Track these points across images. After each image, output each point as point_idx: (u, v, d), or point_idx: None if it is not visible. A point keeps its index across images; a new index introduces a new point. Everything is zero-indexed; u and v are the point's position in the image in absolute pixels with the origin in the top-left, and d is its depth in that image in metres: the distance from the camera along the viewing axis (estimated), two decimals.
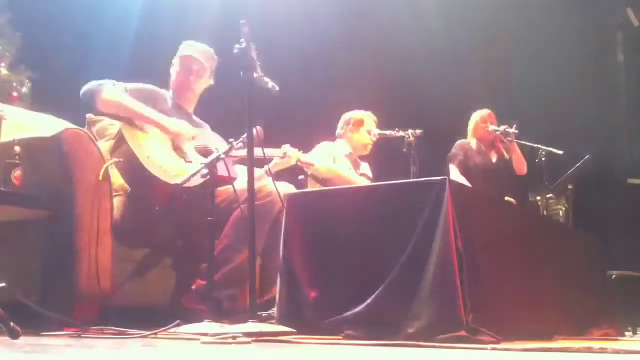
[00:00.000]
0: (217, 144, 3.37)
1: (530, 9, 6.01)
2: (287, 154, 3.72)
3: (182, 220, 3.27)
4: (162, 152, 3.28)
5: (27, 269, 3.00)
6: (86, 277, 2.98)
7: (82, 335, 2.61)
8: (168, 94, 3.63)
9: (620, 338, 3.57)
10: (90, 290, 2.99)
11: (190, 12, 5.64)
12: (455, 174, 4.97)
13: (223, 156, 3.07)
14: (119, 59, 5.23)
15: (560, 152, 4.93)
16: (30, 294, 2.78)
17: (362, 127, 4.60)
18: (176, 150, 3.33)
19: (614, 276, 4.59)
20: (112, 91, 3.30)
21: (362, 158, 4.72)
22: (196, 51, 3.58)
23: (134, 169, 3.22)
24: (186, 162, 3.30)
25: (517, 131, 4.97)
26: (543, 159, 4.93)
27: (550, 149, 4.95)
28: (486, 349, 2.32)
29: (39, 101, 4.34)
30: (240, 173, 3.27)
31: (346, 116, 4.68)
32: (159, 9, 5.68)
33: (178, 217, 3.27)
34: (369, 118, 4.64)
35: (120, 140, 3.29)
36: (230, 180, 3.09)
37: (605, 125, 5.86)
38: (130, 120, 3.30)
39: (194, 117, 3.67)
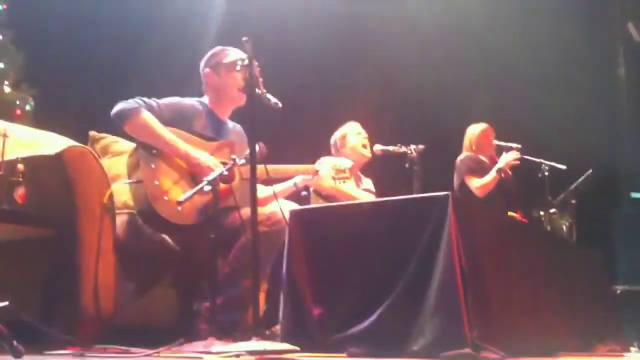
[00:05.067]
0: (240, 154, 3.30)
1: (531, 24, 6.04)
2: (319, 172, 3.63)
3: (186, 240, 3.26)
4: (173, 181, 3.22)
5: (29, 287, 3.00)
6: (88, 296, 2.97)
7: (85, 355, 2.60)
8: (202, 102, 3.54)
9: (625, 354, 3.55)
10: (93, 308, 2.98)
11: (192, 29, 5.66)
12: (477, 184, 4.95)
13: (225, 172, 3.06)
14: (123, 75, 5.24)
15: (563, 167, 4.93)
16: (33, 312, 2.77)
17: (347, 138, 4.59)
18: (192, 179, 3.26)
19: (618, 291, 4.57)
20: (149, 117, 3.24)
21: (365, 174, 4.72)
22: (244, 56, 3.24)
23: (139, 194, 3.20)
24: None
25: (519, 146, 4.96)
26: (546, 173, 4.93)
27: (553, 163, 4.95)
28: None
29: (42, 118, 4.35)
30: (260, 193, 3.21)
31: (331, 140, 4.67)
32: (163, 22, 5.69)
33: (181, 237, 3.26)
34: (350, 126, 4.63)
35: (137, 162, 3.25)
36: (233, 207, 3.09)
37: (607, 139, 5.86)
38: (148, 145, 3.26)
39: (228, 124, 3.60)
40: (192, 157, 3.24)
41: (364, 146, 4.54)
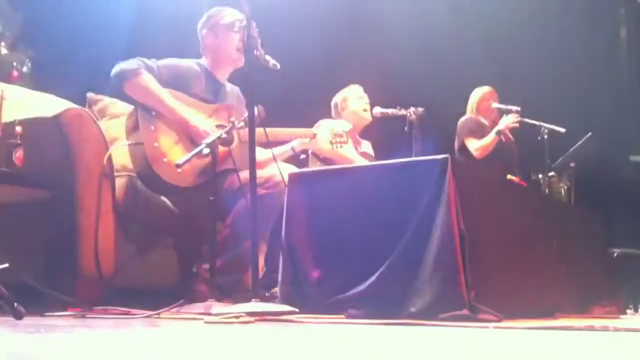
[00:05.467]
0: (239, 116, 3.29)
1: None
2: (316, 136, 3.62)
3: (185, 202, 3.26)
4: (172, 143, 3.22)
5: (29, 249, 3.01)
6: (88, 257, 2.99)
7: (86, 315, 2.62)
8: (201, 64, 3.52)
9: (621, 316, 3.59)
10: (93, 270, 3.00)
11: None
12: (477, 145, 4.95)
13: (224, 135, 3.06)
14: (120, 37, 5.19)
15: (562, 130, 4.92)
16: (33, 274, 2.79)
17: (348, 103, 4.57)
18: (191, 141, 3.25)
19: (615, 254, 4.60)
20: (149, 78, 3.23)
21: (364, 136, 4.71)
22: (241, 16, 3.28)
23: (139, 155, 3.19)
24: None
25: (519, 108, 4.95)
26: (545, 136, 4.92)
27: (552, 126, 4.94)
28: (488, 327, 2.33)
29: (40, 80, 4.32)
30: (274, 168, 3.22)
31: (332, 101, 4.65)
32: None
33: (181, 199, 3.26)
34: (352, 90, 4.60)
35: (135, 124, 3.25)
36: (233, 170, 3.08)
37: (607, 102, 5.83)
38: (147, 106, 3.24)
39: (227, 86, 3.58)
40: (190, 123, 3.23)
41: (365, 110, 4.52)
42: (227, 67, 3.55)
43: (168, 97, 3.24)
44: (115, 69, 3.25)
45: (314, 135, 3.58)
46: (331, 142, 3.62)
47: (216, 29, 3.51)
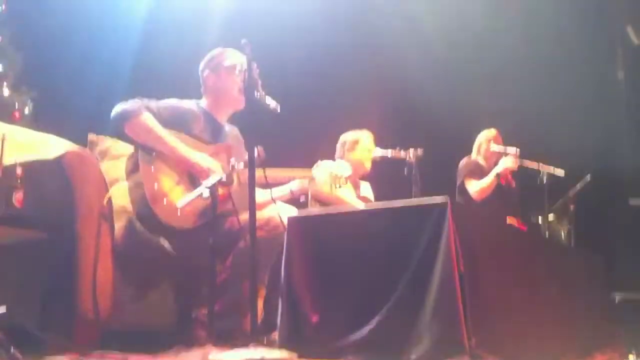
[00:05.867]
0: (238, 157, 3.30)
1: (530, 27, 6.03)
2: (315, 178, 3.63)
3: (184, 243, 3.25)
4: (173, 183, 3.22)
5: (27, 291, 2.99)
6: (86, 300, 2.97)
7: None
8: (200, 105, 3.53)
9: None
10: (91, 312, 2.98)
11: (191, 30, 5.64)
12: (476, 187, 4.95)
13: (224, 179, 3.06)
14: (120, 77, 5.24)
15: (561, 173, 4.92)
16: (31, 316, 2.76)
17: (358, 146, 4.60)
18: (191, 182, 3.26)
19: (617, 298, 4.57)
20: (149, 119, 3.25)
21: (363, 178, 4.72)
22: (244, 59, 3.24)
23: (138, 197, 3.20)
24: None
25: (518, 151, 4.96)
26: (544, 179, 4.92)
27: (551, 169, 4.94)
28: None
29: (41, 121, 4.35)
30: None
31: (341, 139, 4.69)
32: (161, 26, 5.69)
33: (180, 241, 3.25)
34: (364, 137, 4.64)
35: (135, 165, 3.25)
36: (232, 211, 3.08)
37: (605, 144, 5.85)
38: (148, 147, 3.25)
39: (226, 127, 3.59)
40: (192, 160, 3.24)
41: (369, 161, 4.56)
42: (228, 108, 3.57)
43: (169, 137, 3.25)
44: (116, 110, 3.27)
45: (313, 177, 3.59)
46: (330, 185, 3.63)
47: (218, 70, 3.53)
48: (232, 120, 3.67)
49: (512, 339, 2.76)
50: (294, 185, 3.66)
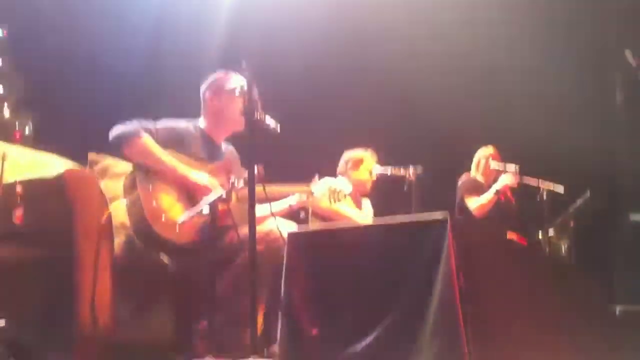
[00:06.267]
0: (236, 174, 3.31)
1: (530, 50, 6.06)
2: (313, 193, 3.63)
3: (184, 260, 3.26)
4: (172, 202, 3.24)
5: (27, 308, 2.99)
6: (86, 316, 2.97)
7: None
8: (197, 126, 3.55)
9: None
10: (91, 328, 2.97)
11: (192, 51, 5.68)
12: (475, 203, 4.95)
13: (224, 196, 3.07)
14: (121, 96, 5.27)
15: (561, 190, 4.93)
16: (31, 332, 2.76)
17: (362, 165, 4.62)
18: (189, 200, 3.27)
19: (617, 310, 4.55)
20: (148, 141, 3.28)
21: (364, 195, 4.73)
22: (245, 83, 3.26)
23: (137, 215, 3.21)
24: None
25: (517, 168, 4.97)
26: (544, 196, 4.93)
27: (551, 185, 4.95)
28: None
29: (42, 141, 4.36)
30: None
31: (346, 156, 4.71)
32: (163, 47, 5.72)
33: (179, 257, 3.26)
34: (368, 157, 4.66)
35: (133, 183, 3.27)
36: (231, 226, 3.09)
37: (605, 162, 5.87)
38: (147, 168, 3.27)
39: (222, 148, 3.61)
40: (191, 179, 3.26)
41: (371, 182, 4.58)
42: (227, 130, 3.60)
43: (167, 157, 3.28)
44: (114, 132, 3.30)
45: (312, 193, 3.60)
46: (329, 199, 3.65)
47: (220, 93, 3.56)
48: (231, 139, 3.69)
49: (512, 353, 2.75)
50: (293, 200, 3.67)
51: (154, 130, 3.36)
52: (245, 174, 3.03)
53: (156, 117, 3.47)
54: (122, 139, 3.27)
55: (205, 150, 3.49)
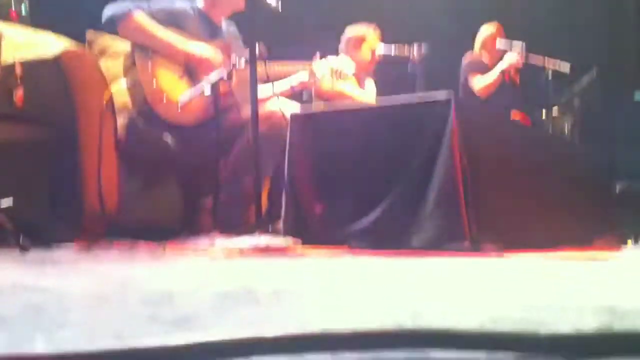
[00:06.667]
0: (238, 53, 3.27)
1: None
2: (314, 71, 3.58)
3: (187, 139, 3.26)
4: (173, 79, 3.20)
5: (33, 188, 3.02)
6: (92, 194, 3.00)
7: (92, 248, 2.65)
8: (194, 7, 3.47)
9: (622, 247, 3.62)
10: (97, 206, 3.02)
11: None
12: (480, 83, 4.90)
13: (225, 76, 3.04)
14: None
15: (567, 68, 4.87)
16: (38, 209, 2.81)
17: (364, 44, 4.52)
18: (190, 78, 3.24)
19: (618, 187, 4.61)
20: (142, 18, 3.21)
21: (367, 75, 4.67)
22: None
23: (138, 96, 3.19)
24: None
25: (523, 45, 4.89)
26: (549, 75, 4.88)
27: (557, 63, 4.89)
28: (490, 256, 2.35)
29: (39, 19, 4.27)
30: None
31: (347, 33, 4.59)
32: None
33: (183, 137, 3.26)
34: (370, 34, 4.55)
35: (132, 64, 3.23)
36: (236, 106, 3.08)
37: (611, 38, 5.76)
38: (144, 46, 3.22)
39: (222, 27, 3.55)
40: (190, 51, 3.21)
41: (373, 61, 4.49)
42: (227, 9, 3.51)
43: (164, 33, 3.21)
44: (106, 12, 3.23)
45: (313, 71, 3.56)
46: (332, 75, 3.61)
47: None
48: (232, 18, 3.61)
49: (512, 226, 2.80)
50: (294, 80, 3.63)
51: (149, 10, 3.28)
52: (247, 53, 2.99)
53: None
54: (115, 17, 3.21)
55: (205, 31, 3.42)
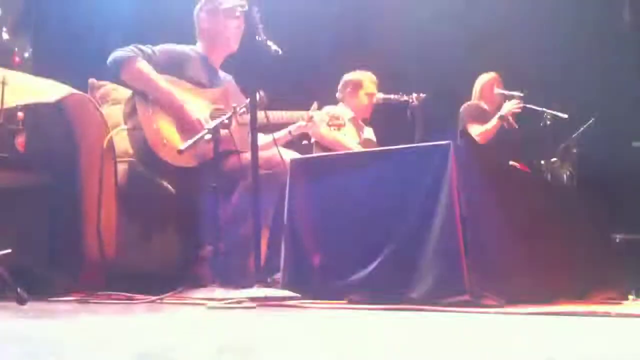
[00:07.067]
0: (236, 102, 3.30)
1: None
2: (312, 118, 3.61)
3: (187, 187, 3.27)
4: (171, 127, 3.22)
5: (33, 234, 3.02)
6: (91, 241, 3.00)
7: (89, 301, 2.63)
8: (195, 49, 3.54)
9: (623, 302, 3.59)
10: (96, 253, 3.01)
11: None
12: (479, 130, 4.91)
13: (227, 121, 3.06)
14: (121, 23, 5.19)
15: (565, 116, 4.90)
16: (37, 258, 2.80)
17: (361, 90, 4.57)
18: (183, 132, 3.25)
19: (618, 239, 4.59)
20: (145, 65, 3.25)
21: (366, 122, 4.70)
22: (240, 3, 3.42)
23: (138, 140, 3.21)
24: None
25: (522, 94, 4.93)
26: (548, 122, 4.91)
27: (555, 112, 4.92)
28: (489, 312, 2.33)
29: (41, 66, 4.32)
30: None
31: (344, 78, 4.64)
32: None
33: (182, 184, 3.27)
34: (367, 79, 4.60)
35: (133, 108, 3.26)
36: (235, 151, 3.09)
37: (609, 87, 5.80)
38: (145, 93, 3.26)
39: (220, 74, 3.61)
40: (186, 112, 3.24)
41: (371, 104, 4.53)
42: (223, 52, 3.58)
43: (164, 83, 3.26)
44: (112, 57, 3.28)
45: (311, 118, 3.59)
46: (328, 124, 3.65)
47: (215, 13, 3.53)
48: (230, 65, 3.66)
49: (512, 278, 2.78)
50: (293, 127, 3.67)
51: (152, 53, 3.33)
52: (244, 101, 3.01)
53: (155, 43, 3.44)
54: (119, 63, 3.25)
55: (204, 73, 3.48)
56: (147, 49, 3.33)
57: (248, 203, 2.96)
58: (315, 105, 3.66)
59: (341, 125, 3.72)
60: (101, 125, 3.20)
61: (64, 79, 3.47)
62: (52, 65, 3.80)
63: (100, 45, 3.91)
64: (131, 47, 3.29)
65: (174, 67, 3.36)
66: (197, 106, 3.30)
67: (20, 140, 2.99)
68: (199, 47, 3.56)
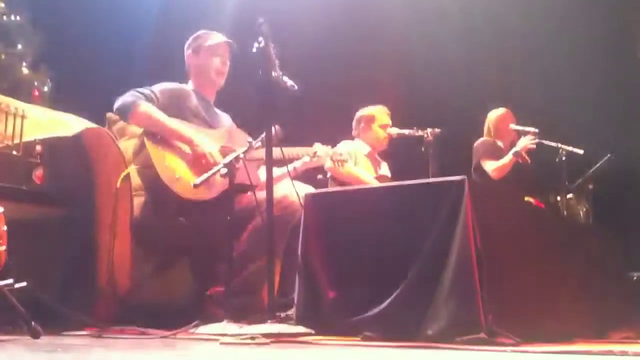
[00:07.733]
0: (242, 142, 3.34)
1: (548, 7, 5.95)
2: (317, 154, 3.66)
3: (201, 221, 3.28)
4: (182, 163, 3.26)
5: (47, 267, 3.03)
6: (105, 275, 3.01)
7: (102, 335, 2.63)
8: (189, 87, 3.62)
9: None
10: (109, 287, 3.02)
11: (208, 8, 5.65)
12: (493, 166, 4.90)
13: (242, 155, 3.07)
14: (137, 56, 5.26)
15: (581, 152, 4.88)
16: (51, 292, 2.80)
17: (374, 124, 4.61)
18: (195, 166, 3.28)
19: (635, 277, 4.55)
20: (148, 108, 3.29)
21: (381, 156, 4.72)
22: (223, 40, 3.58)
23: (150, 177, 3.23)
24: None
25: (536, 130, 4.92)
26: (563, 158, 4.89)
27: (571, 148, 4.91)
28: (505, 351, 2.31)
29: (60, 100, 4.37)
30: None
31: (358, 115, 4.69)
32: (177, 8, 5.71)
33: (197, 219, 3.27)
34: (380, 113, 4.63)
35: (142, 144, 3.29)
36: (249, 186, 3.10)
37: (626, 123, 5.79)
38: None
39: (216, 109, 3.68)
40: (195, 144, 3.27)
41: (386, 138, 4.56)
42: (211, 88, 3.66)
43: (171, 122, 3.29)
44: (115, 106, 3.33)
45: (315, 154, 3.62)
46: (332, 159, 3.68)
47: (199, 50, 3.63)
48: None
49: (528, 316, 2.76)
50: (298, 163, 3.69)
51: (152, 94, 3.37)
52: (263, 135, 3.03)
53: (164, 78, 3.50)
54: (123, 111, 3.31)
55: (201, 107, 3.53)
56: (146, 90, 3.39)
57: (258, 242, 2.97)
58: (316, 146, 3.68)
59: (344, 161, 3.75)
60: (118, 159, 3.23)
61: (82, 114, 3.52)
62: (71, 99, 3.85)
63: (119, 79, 3.97)
64: (131, 92, 3.34)
65: (173, 102, 3.42)
66: (206, 140, 3.33)
67: (38, 174, 3.03)
68: (190, 85, 3.65)
